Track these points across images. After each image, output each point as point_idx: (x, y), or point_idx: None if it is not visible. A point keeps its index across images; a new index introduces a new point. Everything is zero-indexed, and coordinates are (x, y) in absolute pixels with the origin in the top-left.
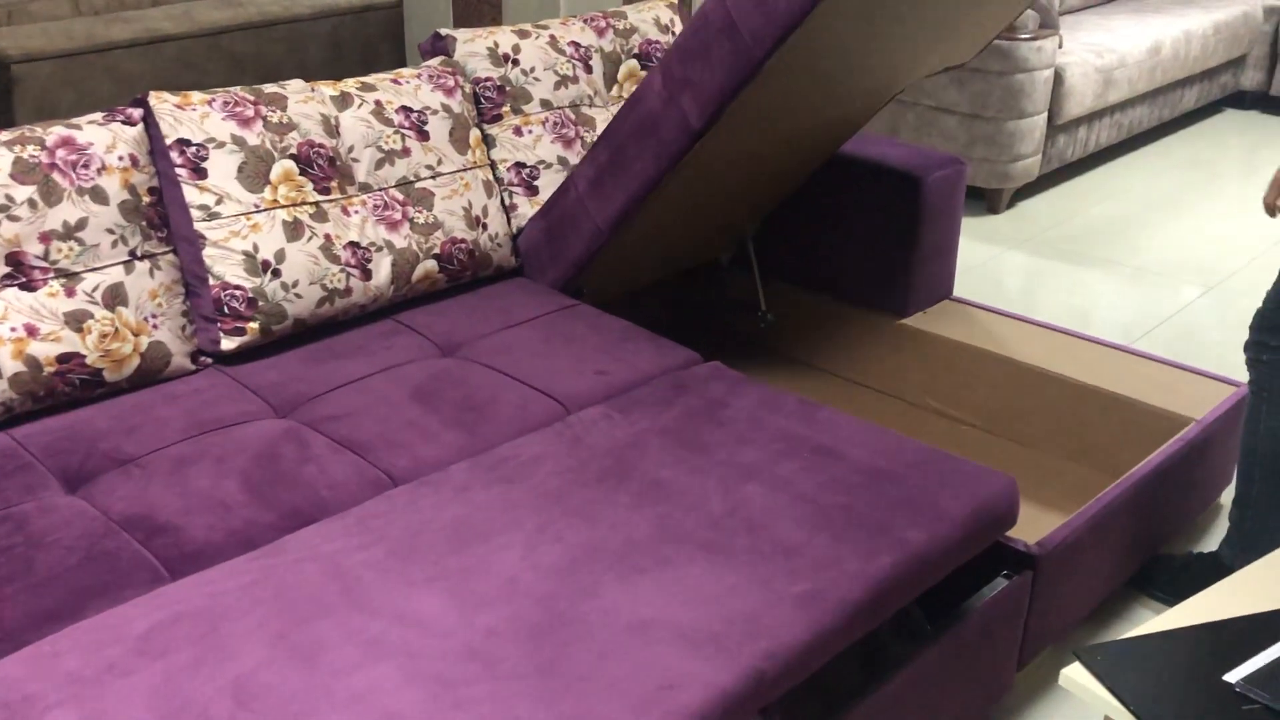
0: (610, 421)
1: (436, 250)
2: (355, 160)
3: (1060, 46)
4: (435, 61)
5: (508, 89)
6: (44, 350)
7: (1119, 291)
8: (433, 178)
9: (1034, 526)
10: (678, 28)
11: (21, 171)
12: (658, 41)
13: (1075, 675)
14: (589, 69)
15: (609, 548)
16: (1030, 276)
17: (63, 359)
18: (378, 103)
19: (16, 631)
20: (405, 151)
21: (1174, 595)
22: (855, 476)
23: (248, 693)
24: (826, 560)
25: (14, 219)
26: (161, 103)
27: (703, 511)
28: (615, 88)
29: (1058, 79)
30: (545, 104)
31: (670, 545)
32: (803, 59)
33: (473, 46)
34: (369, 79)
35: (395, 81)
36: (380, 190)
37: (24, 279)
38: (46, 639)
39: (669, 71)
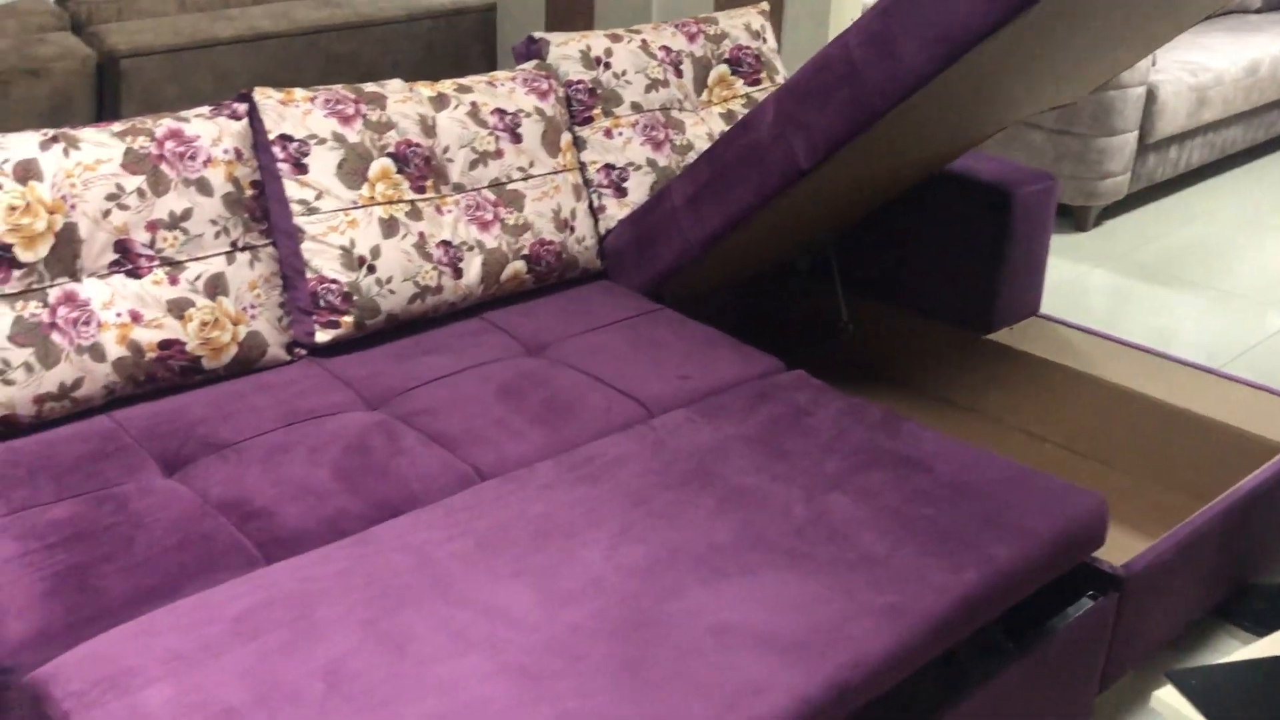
0: (693, 426)
1: (526, 251)
2: (450, 160)
3: (1154, 64)
4: (530, 65)
5: (599, 91)
6: (147, 336)
7: (1205, 314)
8: (524, 179)
9: (1119, 549)
10: (768, 34)
11: (132, 162)
12: (748, 47)
13: (1168, 698)
14: (679, 73)
15: (692, 551)
16: (1115, 296)
17: (164, 345)
18: (473, 104)
19: (117, 607)
20: (499, 153)
21: (1263, 626)
22: (941, 490)
23: (339, 677)
24: (911, 573)
25: (124, 208)
26: (266, 98)
27: (785, 519)
28: (705, 92)
29: (1150, 96)
30: (636, 107)
31: (753, 551)
32: (925, 106)
33: (566, 50)
34: (465, 81)
35: (491, 84)
36: (473, 190)
37: (131, 266)
38: (146, 616)
39: (782, 107)
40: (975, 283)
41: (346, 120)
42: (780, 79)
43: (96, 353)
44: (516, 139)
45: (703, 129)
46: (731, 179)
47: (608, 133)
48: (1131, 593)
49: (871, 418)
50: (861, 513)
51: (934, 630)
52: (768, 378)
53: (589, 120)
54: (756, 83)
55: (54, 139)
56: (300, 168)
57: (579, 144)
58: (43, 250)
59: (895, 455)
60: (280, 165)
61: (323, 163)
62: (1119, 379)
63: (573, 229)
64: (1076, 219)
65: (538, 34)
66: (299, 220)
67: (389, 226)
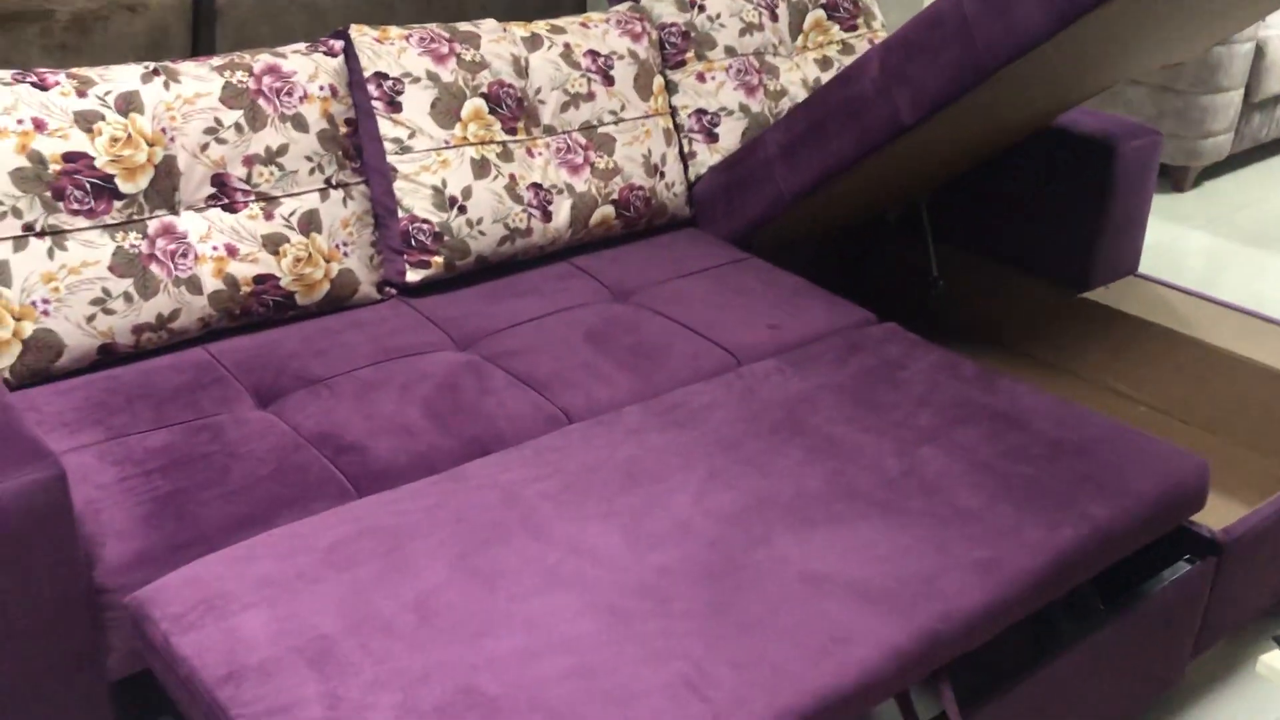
0: (783, 375)
1: (615, 196)
2: (542, 102)
3: (1263, 19)
4: (624, 7)
5: (693, 35)
6: (242, 270)
7: None
8: (615, 123)
9: (1216, 514)
10: None
11: (230, 96)
12: None
13: (1274, 662)
14: (775, 17)
15: (780, 499)
16: (1213, 258)
17: (259, 280)
18: (566, 45)
19: (214, 534)
20: (590, 95)
21: None
22: (1037, 447)
23: (429, 609)
24: (1006, 528)
25: (221, 141)
26: (362, 35)
27: (877, 471)
28: (800, 38)
29: (1258, 53)
30: (729, 51)
31: (843, 501)
32: (1034, 67)
33: None
34: (559, 22)
35: (584, 25)
36: (564, 133)
37: (227, 200)
38: (242, 543)
39: (888, 60)
40: (1073, 238)
41: (440, 59)
42: (878, 25)
43: (193, 285)
44: (609, 81)
45: (797, 75)
46: (830, 131)
47: (700, 77)
48: (1230, 559)
49: (966, 372)
50: (955, 467)
51: (1027, 587)
52: (859, 329)
53: (682, 64)
54: (853, 29)
55: (155, 72)
56: (394, 106)
57: (671, 88)
58: (143, 182)
59: (991, 410)
60: (375, 103)
61: (416, 101)
62: (1219, 341)
63: (663, 174)
64: (1175, 179)
65: None
66: (392, 159)
67: (480, 167)
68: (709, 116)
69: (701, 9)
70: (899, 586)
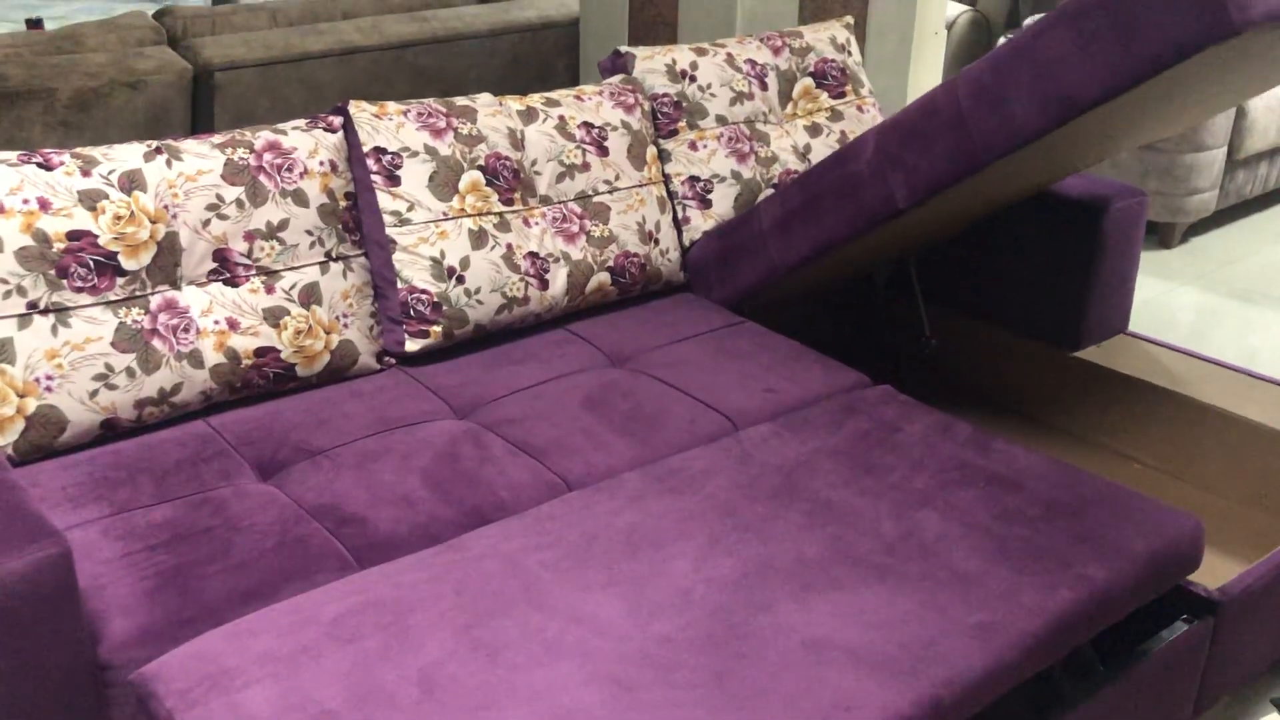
0: (780, 439)
1: (610, 263)
2: (538, 173)
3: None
4: (616, 79)
5: (684, 104)
6: (243, 344)
7: None
8: (610, 192)
9: (1212, 573)
10: (853, 48)
11: (232, 173)
12: (833, 60)
13: None
14: (764, 86)
15: (781, 565)
16: (1202, 314)
17: (260, 353)
18: (561, 118)
19: (217, 608)
20: (585, 166)
21: None
22: (1033, 508)
23: (433, 682)
24: (1004, 591)
25: (223, 218)
26: (360, 111)
27: (875, 535)
28: (789, 105)
29: (1240, 112)
30: (720, 119)
31: (842, 566)
32: (1028, 153)
33: (651, 64)
34: (553, 95)
35: (578, 98)
36: (560, 203)
37: (228, 275)
38: (245, 617)
39: (884, 144)
40: (1062, 299)
41: (438, 133)
42: (865, 92)
43: (195, 359)
44: (603, 152)
45: (787, 141)
46: (824, 208)
47: (692, 145)
48: (1227, 617)
49: (961, 434)
50: (952, 530)
51: (1027, 650)
52: (854, 392)
53: (674, 133)
54: (841, 96)
55: (158, 150)
56: (393, 179)
57: (663, 156)
58: (145, 258)
59: (986, 472)
60: (374, 177)
61: (415, 175)
62: (1210, 398)
63: (657, 241)
64: (1162, 236)
65: (624, 48)
66: (391, 231)
67: (478, 238)
68: (702, 183)
69: (692, 79)
70: (900, 652)
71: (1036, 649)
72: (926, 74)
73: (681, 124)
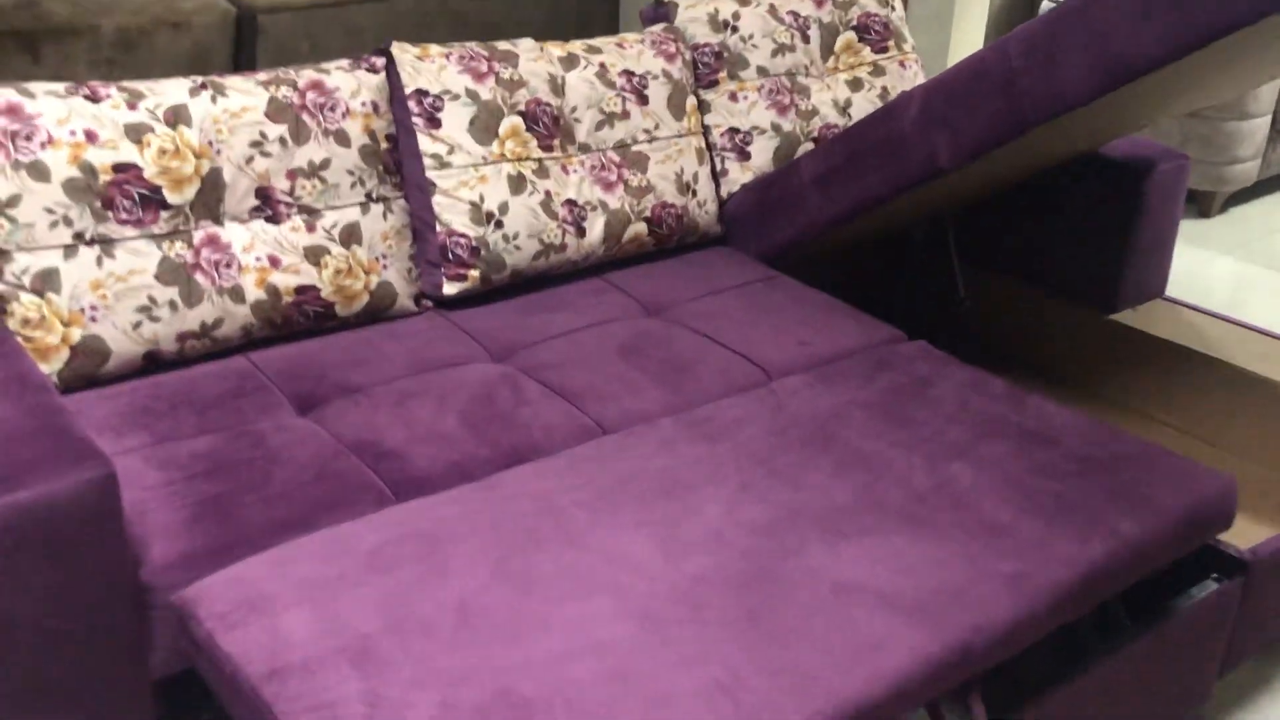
0: (813, 391)
1: (647, 213)
2: (577, 120)
3: None
4: (658, 28)
5: (725, 55)
6: (284, 281)
7: None
8: (649, 141)
9: (1243, 536)
10: (897, 2)
11: (275, 110)
12: (876, 14)
13: None
14: (806, 39)
15: (811, 511)
16: (1240, 283)
17: (300, 290)
18: (602, 65)
19: (256, 536)
20: (625, 114)
21: None
22: (1066, 464)
23: (468, 611)
24: (1035, 542)
25: (266, 155)
26: (403, 53)
27: (906, 485)
28: (831, 59)
29: None
30: (761, 71)
31: (873, 514)
32: (1076, 117)
33: (694, 13)
34: (595, 42)
35: (620, 46)
36: (599, 151)
37: (270, 212)
38: (283, 545)
39: (930, 103)
40: (1101, 261)
41: (480, 77)
42: (908, 48)
43: (236, 294)
44: (643, 101)
45: (828, 95)
46: (866, 166)
47: (733, 96)
48: (1257, 578)
49: (995, 390)
50: (984, 482)
51: (1056, 600)
52: (888, 346)
53: (714, 83)
54: (884, 50)
55: (203, 86)
56: (434, 122)
57: (703, 107)
58: (189, 193)
59: (1020, 428)
60: (415, 119)
61: (456, 118)
62: (1245, 364)
63: (694, 193)
64: (1201, 204)
65: None
66: (431, 174)
67: (517, 183)
68: (741, 135)
69: (734, 30)
70: (930, 598)
71: (1066, 600)
72: (970, 32)
73: (722, 75)
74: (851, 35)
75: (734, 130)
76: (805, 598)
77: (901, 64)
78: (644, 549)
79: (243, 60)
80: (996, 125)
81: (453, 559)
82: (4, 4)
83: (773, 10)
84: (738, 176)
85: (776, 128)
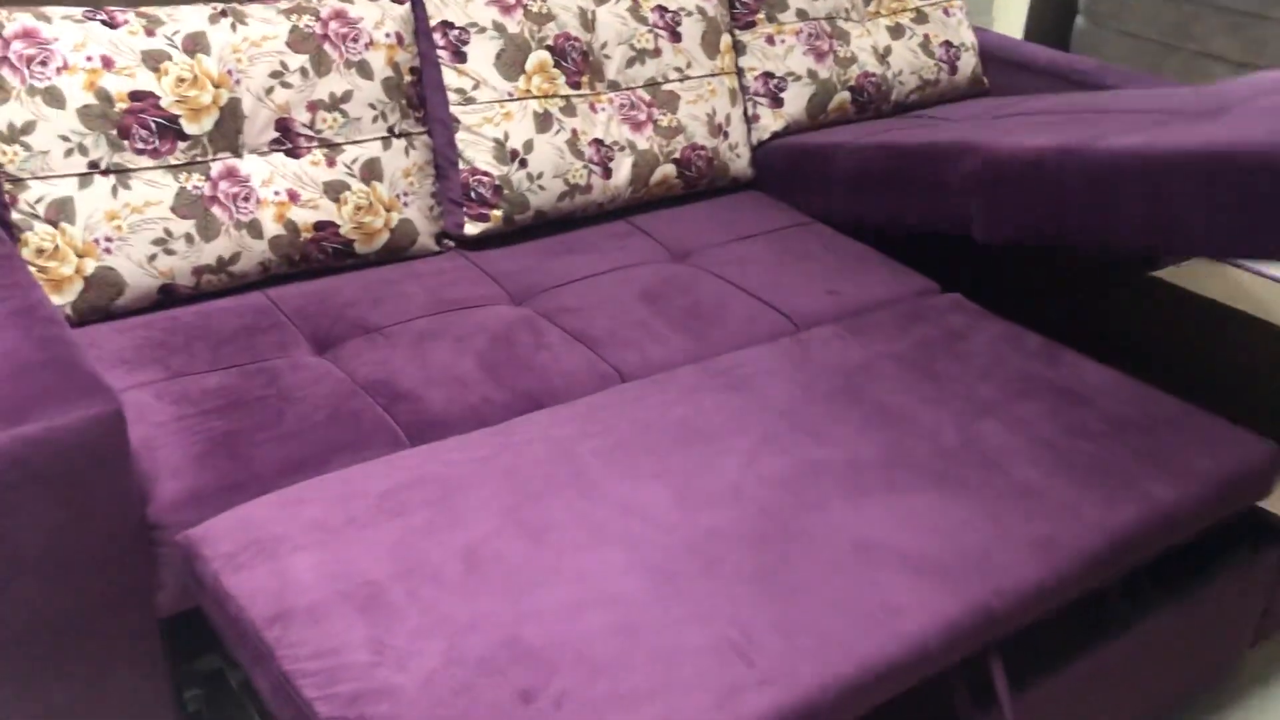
0: (841, 342)
1: (677, 155)
2: (607, 57)
3: None
4: None
5: None
6: (303, 216)
7: None
8: (680, 80)
9: None
10: None
11: (297, 40)
12: None
13: None
14: None
15: (834, 466)
16: None
17: (319, 226)
18: (635, 0)
19: (267, 476)
20: (656, 51)
21: None
22: (1100, 424)
23: (478, 558)
24: (1064, 505)
25: (286, 86)
26: None
27: (934, 442)
28: (873, 2)
29: None
30: (801, 14)
31: (899, 471)
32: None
33: None
34: None
35: None
36: (628, 89)
37: (290, 145)
38: (294, 486)
39: (981, 172)
40: None
41: (507, 10)
42: None
43: (254, 229)
44: (675, 38)
45: (867, 41)
46: (903, 191)
47: (769, 39)
48: None
49: (1031, 346)
50: (1014, 441)
51: (1084, 566)
52: (921, 298)
53: (751, 25)
54: None
55: (223, 13)
56: (459, 56)
57: (738, 48)
58: (207, 124)
59: (1053, 385)
60: (440, 52)
61: (482, 52)
62: None
63: (726, 135)
64: None
65: None
66: (455, 109)
67: (543, 121)
68: (775, 80)
69: None
70: (953, 559)
71: (1094, 565)
72: None
73: (760, 16)
74: None
75: (769, 75)
76: (824, 556)
77: (946, 11)
78: (659, 500)
79: None
80: (1037, 227)
81: (464, 505)
82: None
83: None
84: (769, 123)
85: (813, 74)
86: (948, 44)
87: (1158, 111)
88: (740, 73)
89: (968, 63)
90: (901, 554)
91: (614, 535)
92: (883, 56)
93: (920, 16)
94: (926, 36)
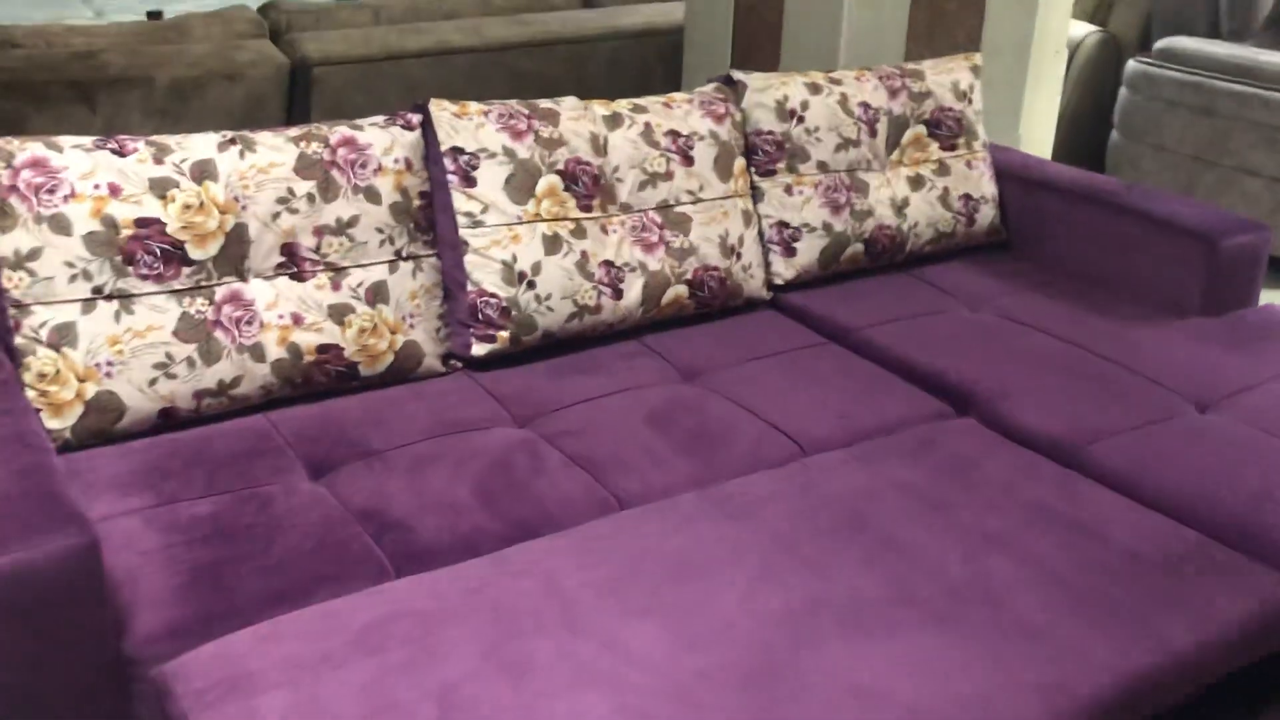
0: (849, 469)
1: (689, 276)
2: (619, 180)
3: None
4: (710, 87)
5: (787, 146)
6: (306, 339)
7: None
8: (693, 203)
9: None
10: (975, 95)
11: (304, 167)
12: (951, 109)
13: None
14: (874, 133)
15: (834, 603)
16: None
17: (322, 349)
18: (647, 124)
19: (248, 607)
20: (669, 175)
21: None
22: (1116, 561)
23: (452, 702)
24: (1074, 648)
25: (293, 211)
26: (441, 110)
27: (940, 577)
28: (896, 152)
29: None
30: (822, 166)
31: (901, 609)
32: None
33: (761, 97)
34: (641, 101)
35: (667, 105)
36: (640, 212)
37: (295, 269)
38: (273, 620)
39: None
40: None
41: (518, 135)
42: (979, 145)
43: (257, 352)
44: (688, 161)
45: (886, 193)
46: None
47: (788, 189)
48: None
49: (1046, 476)
50: (1024, 577)
51: (1092, 714)
52: (935, 422)
53: (771, 173)
54: (952, 148)
55: (232, 141)
56: (469, 180)
57: (756, 194)
58: (213, 249)
59: (1068, 519)
60: (450, 177)
61: (491, 176)
62: None
63: (739, 256)
64: None
65: (736, 74)
66: (464, 233)
67: (552, 243)
68: (790, 231)
69: (800, 120)
70: (954, 708)
71: (1105, 713)
72: (1044, 96)
73: (781, 165)
74: (922, 130)
75: (783, 224)
76: (816, 702)
77: (969, 164)
78: (649, 639)
79: (297, 113)
80: None
81: (445, 642)
82: (63, 55)
83: (844, 101)
84: (781, 271)
85: (828, 227)
86: (967, 197)
87: None
88: (759, 218)
89: (986, 215)
90: (900, 701)
91: (598, 677)
92: (900, 209)
93: (942, 168)
94: (946, 189)
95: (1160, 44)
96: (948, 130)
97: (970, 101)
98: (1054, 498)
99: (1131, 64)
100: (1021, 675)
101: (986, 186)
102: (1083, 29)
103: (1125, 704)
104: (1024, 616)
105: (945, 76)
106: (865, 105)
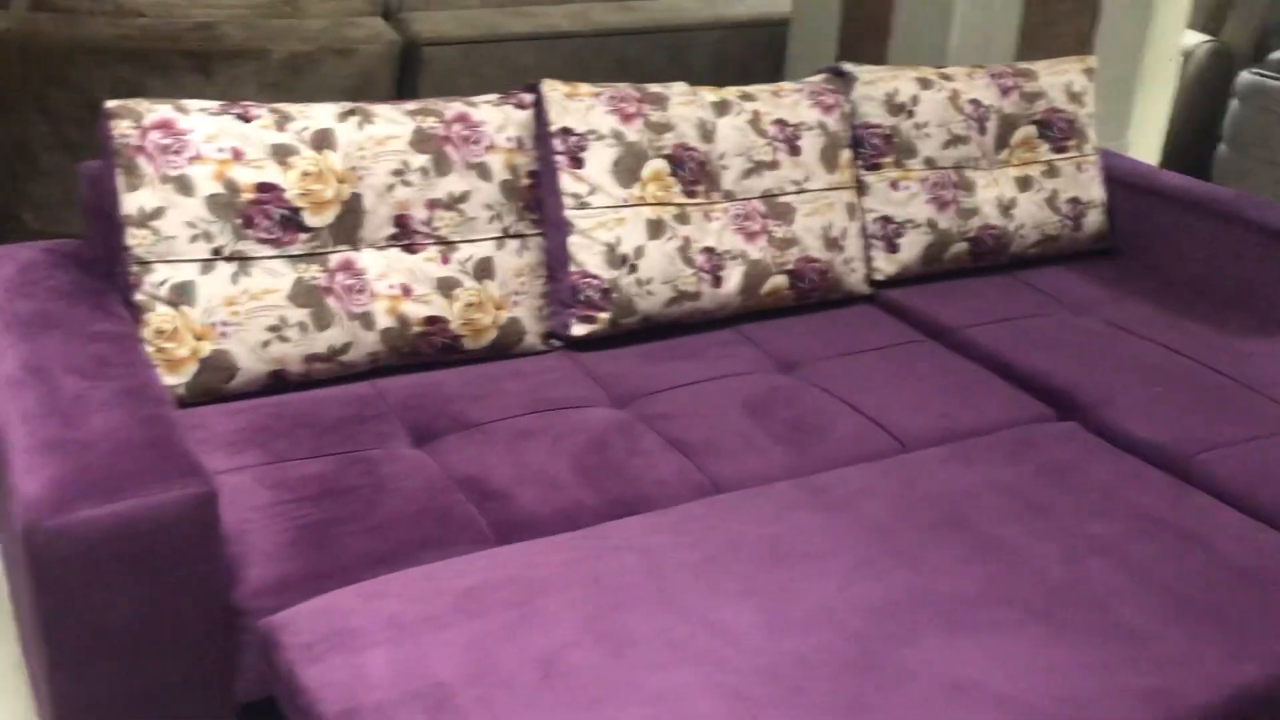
0: (948, 467)
1: (790, 266)
2: (724, 167)
3: None
4: (819, 78)
5: (895, 140)
6: (414, 311)
7: None
8: (797, 193)
9: None
10: (1088, 97)
11: (420, 140)
12: (1063, 111)
13: None
14: (983, 130)
15: (933, 597)
16: None
17: (429, 321)
18: (755, 113)
19: (353, 566)
20: (774, 164)
21: None
22: (1223, 572)
23: (554, 667)
24: (1181, 656)
25: (407, 184)
26: (552, 90)
27: (1040, 579)
28: (1005, 151)
29: None
30: (929, 162)
31: (1000, 607)
32: None
33: (870, 90)
34: (750, 89)
35: (775, 94)
36: (744, 200)
37: (407, 241)
38: (378, 579)
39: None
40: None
41: (627, 119)
42: (1089, 149)
43: (366, 321)
44: (795, 151)
45: (993, 192)
46: None
47: (893, 184)
48: None
49: (1155, 483)
50: (1127, 583)
51: None
52: (1037, 425)
53: (877, 167)
54: (1062, 150)
55: (351, 112)
56: (577, 162)
57: (861, 187)
58: (329, 217)
59: (1175, 527)
60: (558, 158)
61: (599, 159)
62: None
63: (842, 249)
64: None
65: (846, 66)
66: (569, 214)
67: (655, 228)
68: (894, 226)
69: (910, 114)
70: (1054, 707)
71: None
72: (1155, 102)
73: (888, 160)
74: (1032, 130)
75: (887, 219)
76: (914, 693)
77: (1079, 167)
78: (746, 620)
79: (405, 90)
80: None
81: (545, 610)
82: (184, 25)
83: (954, 97)
84: (883, 267)
85: (932, 224)
86: (1075, 200)
87: None
88: (863, 211)
89: (1094, 220)
90: (997, 697)
91: (694, 654)
92: (1006, 209)
93: (1051, 170)
94: (1054, 191)
95: (1276, 55)
96: (1059, 132)
97: (1082, 104)
98: (1160, 506)
99: (1244, 75)
100: (1125, 680)
101: (1095, 191)
102: (1194, 38)
103: (1235, 715)
104: (1127, 621)
105: (1058, 78)
106: (976, 102)
